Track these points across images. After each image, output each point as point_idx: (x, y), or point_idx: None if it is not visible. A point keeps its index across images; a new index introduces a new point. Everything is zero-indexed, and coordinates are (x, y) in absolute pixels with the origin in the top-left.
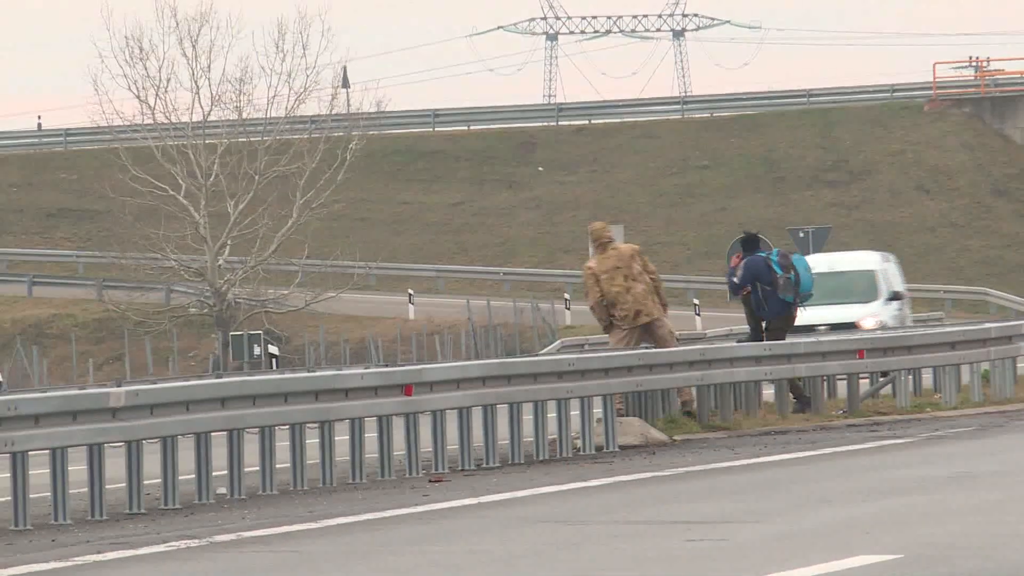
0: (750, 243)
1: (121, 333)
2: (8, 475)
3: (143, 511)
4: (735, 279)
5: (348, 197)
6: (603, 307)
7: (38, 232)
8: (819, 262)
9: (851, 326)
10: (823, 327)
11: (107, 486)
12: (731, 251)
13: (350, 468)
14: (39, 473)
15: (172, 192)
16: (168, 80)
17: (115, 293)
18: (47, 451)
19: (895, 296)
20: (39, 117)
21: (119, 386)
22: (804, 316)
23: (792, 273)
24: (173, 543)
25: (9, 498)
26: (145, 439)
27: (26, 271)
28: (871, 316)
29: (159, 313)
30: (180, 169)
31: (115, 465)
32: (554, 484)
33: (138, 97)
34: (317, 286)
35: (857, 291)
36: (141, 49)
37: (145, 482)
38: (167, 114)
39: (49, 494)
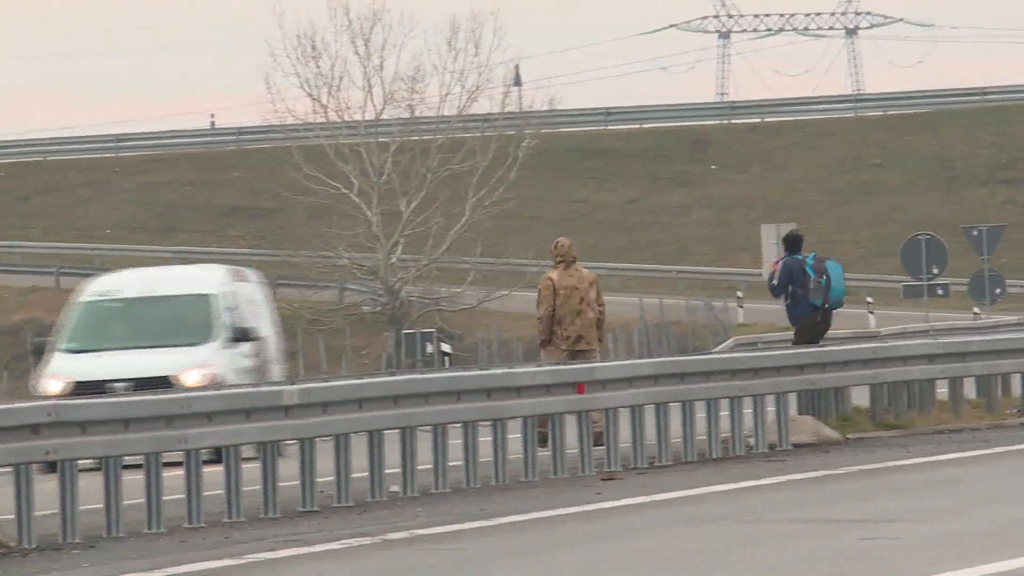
0: (794, 243)
1: (294, 331)
2: (182, 473)
3: (316, 509)
4: (773, 282)
5: (520, 195)
6: (550, 320)
7: (212, 230)
8: (129, 282)
9: (164, 382)
10: (121, 384)
11: (280, 484)
12: (902, 251)
13: (522, 466)
14: (213, 471)
15: (345, 190)
16: (340, 78)
17: (288, 291)
18: (220, 448)
19: (243, 335)
20: (212, 116)
21: (292, 384)
22: (93, 367)
23: (824, 277)
24: (346, 541)
25: (183, 496)
26: (318, 437)
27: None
28: (197, 367)
29: (332, 311)
30: (353, 167)
31: (288, 463)
32: (726, 482)
33: (311, 95)
34: (490, 284)
35: (181, 328)
36: (314, 47)
37: (318, 480)
38: (340, 112)
39: (223, 492)
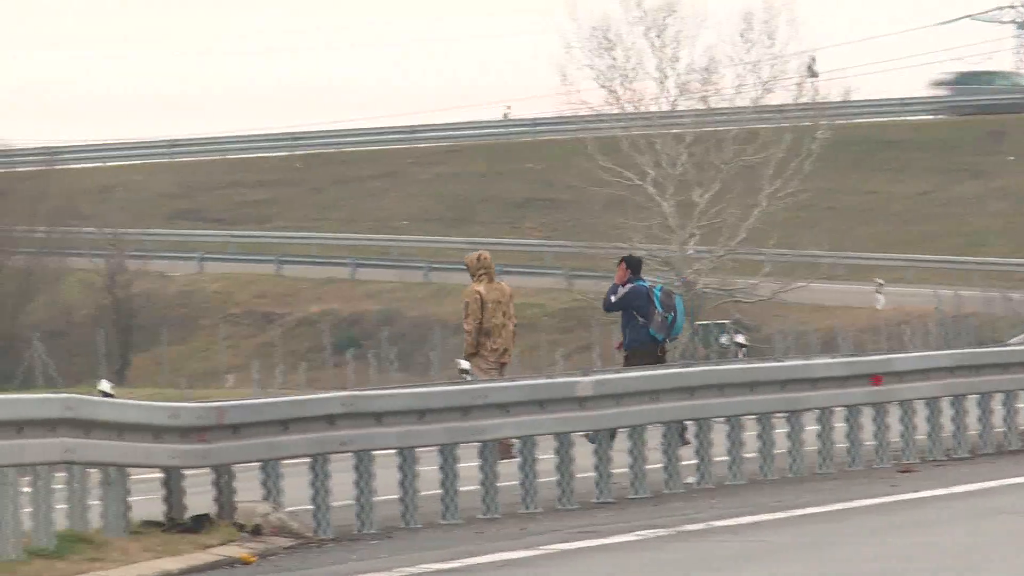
0: (637, 266)
1: (589, 322)
2: (478, 464)
3: (612, 500)
4: (613, 297)
5: (814, 186)
6: (478, 333)
7: (506, 221)
8: None
9: None
10: None
11: (575, 475)
12: None
13: (817, 458)
14: (508, 461)
15: (639, 182)
16: (635, 70)
17: (583, 282)
18: (516, 439)
19: None
20: (507, 107)
21: (586, 375)
22: None
23: (671, 314)
24: (641, 532)
25: (479, 487)
26: (613, 428)
27: (495, 260)
28: None
29: None
30: (647, 158)
31: (583, 454)
32: None
33: (605, 87)
34: (785, 275)
35: None
36: (608, 39)
37: (613, 471)
38: (634, 104)
39: (518, 483)
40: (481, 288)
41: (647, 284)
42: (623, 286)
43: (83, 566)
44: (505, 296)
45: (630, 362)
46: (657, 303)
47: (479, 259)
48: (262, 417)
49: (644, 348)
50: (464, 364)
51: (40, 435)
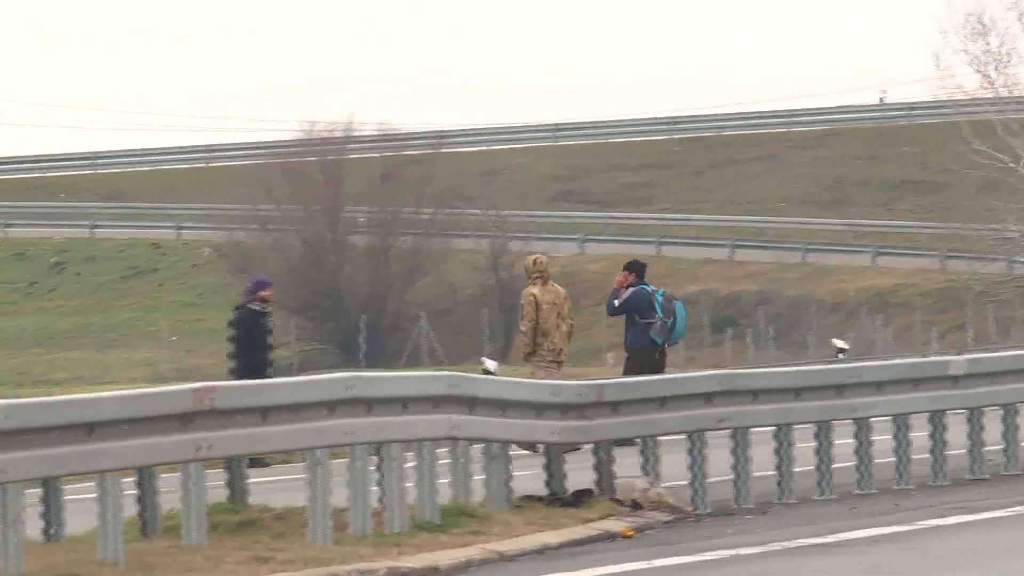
0: (641, 270)
1: (963, 302)
2: (852, 440)
3: (984, 476)
4: (616, 302)
5: None
6: (535, 333)
7: (882, 203)
8: None
9: None
10: None
11: (948, 452)
12: None
13: None
14: (881, 439)
15: (1012, 164)
16: (1009, 55)
17: (957, 263)
18: (888, 417)
19: None
20: (883, 92)
21: (960, 355)
22: None
23: (671, 320)
24: (1014, 508)
25: (853, 463)
26: (985, 406)
27: (870, 242)
28: None
29: (1001, 283)
30: (1020, 142)
31: (956, 431)
32: None
33: (979, 71)
34: None
35: None
36: (982, 25)
37: (986, 448)
38: (1008, 88)
39: (891, 459)
40: (536, 291)
41: (650, 289)
42: (625, 290)
43: (466, 539)
44: (560, 298)
45: (634, 368)
46: (658, 308)
47: (535, 263)
48: (640, 395)
49: (648, 351)
50: (840, 343)
51: (426, 411)
